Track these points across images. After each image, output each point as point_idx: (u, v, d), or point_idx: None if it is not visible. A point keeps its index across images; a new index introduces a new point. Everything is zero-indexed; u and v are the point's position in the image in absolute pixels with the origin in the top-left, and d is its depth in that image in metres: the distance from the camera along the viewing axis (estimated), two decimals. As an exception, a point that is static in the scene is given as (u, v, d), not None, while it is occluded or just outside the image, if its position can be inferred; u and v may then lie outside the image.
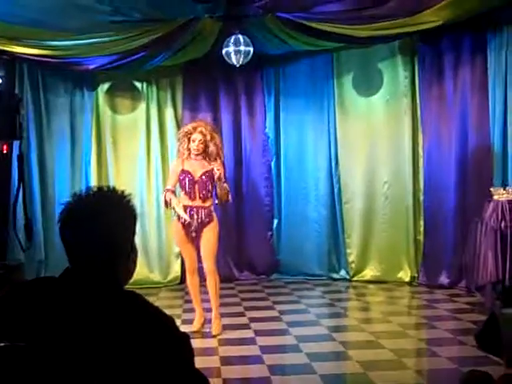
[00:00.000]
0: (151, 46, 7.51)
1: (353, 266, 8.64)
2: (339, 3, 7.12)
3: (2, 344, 1.77)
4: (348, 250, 8.67)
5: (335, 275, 8.78)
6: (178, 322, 6.03)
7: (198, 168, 6.17)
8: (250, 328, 6.38)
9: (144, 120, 8.70)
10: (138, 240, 1.99)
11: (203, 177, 6.13)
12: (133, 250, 1.99)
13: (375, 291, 8.16)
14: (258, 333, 6.17)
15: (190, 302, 7.63)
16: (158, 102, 8.75)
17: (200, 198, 6.12)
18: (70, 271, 1.93)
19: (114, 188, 2.01)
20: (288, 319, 6.71)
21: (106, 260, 1.90)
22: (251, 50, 7.53)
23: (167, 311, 6.35)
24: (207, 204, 6.18)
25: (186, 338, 1.87)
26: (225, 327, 6.35)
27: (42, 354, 1.74)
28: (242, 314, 6.97)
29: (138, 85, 8.74)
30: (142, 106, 8.72)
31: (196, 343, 5.85)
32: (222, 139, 8.63)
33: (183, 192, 6.19)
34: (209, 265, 6.33)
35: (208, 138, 6.20)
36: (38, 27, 6.90)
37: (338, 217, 8.72)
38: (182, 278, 8.71)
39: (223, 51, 7.55)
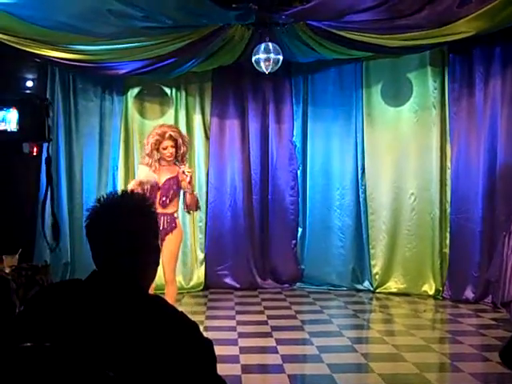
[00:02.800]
0: (181, 52, 7.55)
1: (377, 277, 8.57)
2: (370, 13, 7.08)
3: (28, 344, 1.79)
4: (372, 262, 8.60)
5: (359, 286, 8.72)
6: (200, 329, 6.01)
7: (164, 174, 6.05)
8: (272, 336, 6.35)
9: (172, 125, 8.74)
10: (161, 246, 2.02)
11: (167, 182, 6.00)
12: (156, 253, 2.02)
13: (398, 303, 8.07)
14: (279, 342, 6.13)
15: (212, 308, 7.68)
16: (187, 108, 8.79)
17: (160, 204, 5.95)
18: (96, 274, 1.95)
19: (136, 193, 2.06)
20: (310, 329, 6.67)
21: (130, 263, 1.92)
22: (281, 57, 7.53)
23: (190, 317, 6.33)
24: (169, 211, 6.03)
25: (209, 343, 1.90)
26: (247, 335, 6.35)
27: (68, 356, 1.76)
28: (264, 323, 6.94)
29: (167, 90, 8.79)
30: (171, 111, 8.76)
31: (217, 350, 5.85)
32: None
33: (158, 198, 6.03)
34: (168, 274, 6.04)
35: (180, 141, 6.08)
36: (70, 32, 6.97)
37: (362, 227, 8.66)
38: (206, 284, 8.74)
39: (253, 59, 7.56)
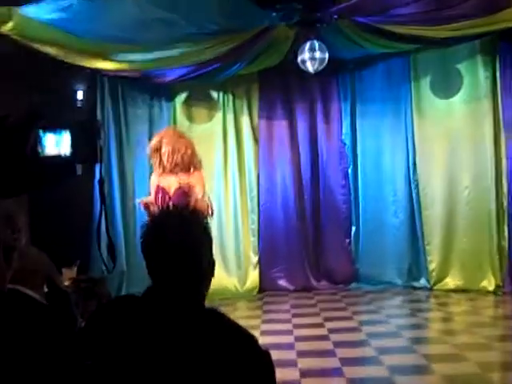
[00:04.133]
0: (226, 56, 7.56)
1: (433, 274, 8.42)
2: (417, 5, 6.96)
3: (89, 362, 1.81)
4: (428, 258, 8.45)
5: (415, 284, 8.58)
6: (256, 333, 5.96)
7: (173, 183, 5.93)
8: (329, 339, 6.29)
9: (220, 129, 8.77)
10: (216, 250, 2.02)
11: (177, 192, 5.90)
12: (212, 268, 2.00)
13: (458, 301, 7.91)
14: (337, 344, 6.07)
15: (268, 312, 7.67)
16: (235, 111, 8.80)
17: None
18: (152, 290, 1.95)
19: (190, 208, 2.05)
20: (368, 330, 6.59)
21: (186, 278, 1.92)
22: (326, 56, 7.46)
23: (245, 322, 6.34)
24: None
25: (267, 355, 1.88)
26: (304, 338, 6.31)
27: (127, 373, 1.77)
28: (321, 325, 6.88)
29: (215, 94, 8.81)
30: (219, 115, 8.78)
31: (275, 354, 5.83)
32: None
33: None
34: None
35: (176, 146, 5.96)
36: (116, 42, 7.06)
37: (417, 223, 8.53)
38: (260, 287, 8.73)
39: (298, 59, 7.52)
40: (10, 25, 6.43)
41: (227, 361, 1.79)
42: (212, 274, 2.01)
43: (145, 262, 1.97)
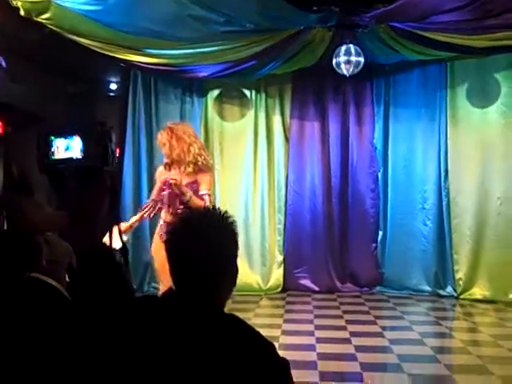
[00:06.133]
0: (262, 55, 7.54)
1: (460, 283, 8.33)
2: (457, 13, 6.85)
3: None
4: (456, 267, 8.36)
5: (441, 292, 8.49)
6: (277, 332, 5.92)
7: (183, 180, 5.64)
8: (350, 343, 6.25)
9: (252, 127, 8.76)
10: (241, 247, 1.98)
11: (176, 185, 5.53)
12: (235, 276, 1.98)
13: (484, 311, 7.81)
14: (358, 349, 6.02)
15: (290, 311, 7.65)
16: (267, 110, 8.78)
17: (180, 211, 5.46)
18: (172, 292, 1.93)
19: (216, 208, 2.00)
20: (390, 336, 6.54)
21: (209, 284, 1.90)
22: (362, 60, 7.41)
23: (267, 320, 6.32)
24: None
25: (286, 363, 1.86)
26: (325, 340, 6.28)
27: (143, 376, 1.76)
28: (343, 328, 6.83)
29: (247, 92, 8.80)
30: (251, 113, 8.77)
31: (295, 356, 5.81)
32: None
33: (162, 204, 5.72)
34: None
35: (172, 139, 5.66)
36: (152, 37, 7.08)
37: (445, 231, 8.45)
38: (284, 286, 8.71)
39: (333, 61, 7.47)
40: (47, 14, 6.50)
41: (245, 367, 1.77)
42: (235, 283, 1.99)
43: (168, 262, 1.95)
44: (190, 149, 5.70)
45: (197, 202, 5.54)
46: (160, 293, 5.62)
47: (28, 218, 2.26)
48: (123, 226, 5.89)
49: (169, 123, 6.04)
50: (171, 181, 5.54)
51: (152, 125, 8.58)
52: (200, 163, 5.73)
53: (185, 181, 5.67)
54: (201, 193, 5.68)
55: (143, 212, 5.99)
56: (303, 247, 8.82)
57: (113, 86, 8.39)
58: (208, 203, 5.64)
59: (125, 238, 5.92)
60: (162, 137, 5.83)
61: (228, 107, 8.80)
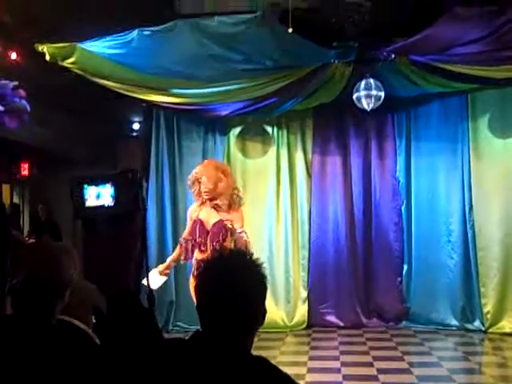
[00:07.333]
0: (282, 92, 7.60)
1: (488, 316, 8.20)
2: (477, 44, 6.88)
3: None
4: (483, 300, 8.23)
5: (469, 326, 8.35)
6: (303, 370, 5.86)
7: (211, 216, 5.76)
8: (378, 380, 6.16)
9: (274, 164, 8.79)
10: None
11: (216, 226, 5.72)
12: (263, 318, 1.98)
13: (514, 346, 7.67)
14: (386, 386, 5.95)
15: (316, 348, 7.57)
16: (288, 146, 8.82)
17: (211, 249, 5.64)
18: (200, 334, 1.93)
19: (246, 253, 2.02)
20: (418, 372, 6.42)
21: (236, 326, 1.90)
22: (382, 94, 7.44)
23: (292, 358, 6.26)
24: None
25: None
26: (352, 377, 6.20)
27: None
28: (370, 365, 6.74)
29: (269, 129, 8.86)
30: (273, 149, 8.81)
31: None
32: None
33: (194, 243, 5.78)
34: None
35: (218, 172, 5.82)
36: (173, 77, 7.20)
37: (472, 264, 8.34)
38: (309, 323, 8.64)
39: (354, 96, 7.51)
40: (72, 59, 6.66)
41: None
42: (262, 323, 1.99)
43: (195, 304, 1.96)
44: (232, 184, 5.88)
45: (240, 239, 5.65)
46: None
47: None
48: (161, 267, 5.98)
49: (207, 160, 6.08)
50: (227, 223, 5.59)
51: (175, 163, 8.66)
52: (235, 197, 5.81)
53: (215, 219, 5.71)
54: (238, 231, 5.71)
55: (178, 253, 6.00)
56: (328, 282, 8.77)
57: (136, 126, 8.51)
58: (247, 240, 5.72)
59: (164, 279, 6.00)
60: (205, 170, 5.86)
61: (250, 144, 8.86)
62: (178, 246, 6.10)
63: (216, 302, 1.90)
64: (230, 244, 5.78)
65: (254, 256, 1.99)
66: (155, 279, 5.69)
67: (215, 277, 1.92)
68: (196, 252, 5.83)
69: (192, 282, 5.75)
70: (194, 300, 5.89)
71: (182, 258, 6.03)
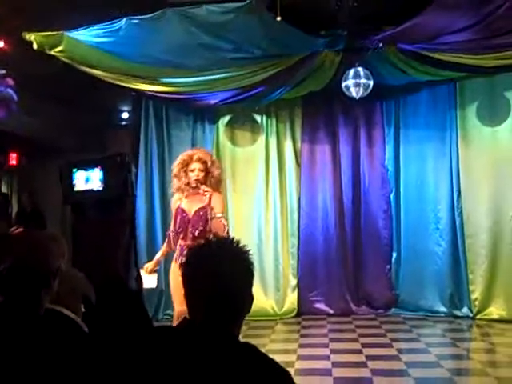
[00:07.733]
0: (271, 80, 7.61)
1: (476, 303, 8.27)
2: (465, 33, 6.89)
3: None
4: (471, 287, 8.30)
5: (457, 312, 8.43)
6: (293, 357, 5.89)
7: (193, 204, 5.68)
8: (367, 366, 6.20)
9: (263, 152, 8.81)
10: (255, 271, 1.98)
11: (197, 214, 5.63)
12: (250, 305, 1.99)
13: (501, 331, 7.71)
14: (375, 372, 5.96)
15: (306, 336, 7.61)
16: (277, 135, 8.83)
17: (191, 237, 5.61)
18: (188, 322, 1.94)
19: (233, 240, 2.01)
20: (407, 359, 6.47)
21: (224, 313, 1.91)
22: (371, 83, 7.45)
23: (282, 345, 6.28)
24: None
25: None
26: (341, 364, 6.23)
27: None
28: (359, 351, 6.78)
29: (258, 117, 8.86)
30: (262, 138, 8.82)
31: (312, 380, 5.80)
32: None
33: (175, 232, 5.73)
34: None
35: (209, 164, 5.73)
36: (162, 66, 7.19)
37: (460, 251, 8.40)
38: (299, 310, 8.69)
39: (343, 84, 7.52)
40: (60, 47, 6.62)
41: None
42: (248, 311, 2.00)
43: (183, 291, 1.96)
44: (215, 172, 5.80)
45: (218, 223, 5.59)
46: (174, 313, 5.70)
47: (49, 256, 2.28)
48: (151, 264, 5.98)
49: (199, 152, 5.97)
50: (208, 209, 5.56)
51: (164, 152, 8.66)
52: (217, 181, 5.80)
53: (196, 207, 5.70)
54: (218, 215, 5.70)
55: (166, 247, 6.01)
56: (317, 270, 8.81)
57: (124, 115, 8.48)
58: (225, 224, 5.70)
59: (155, 275, 5.99)
60: (204, 155, 5.82)
61: (239, 133, 8.86)
62: (167, 240, 6.07)
63: (202, 289, 1.91)
64: (210, 231, 5.71)
65: (241, 243, 2.00)
66: (146, 280, 5.66)
67: (201, 265, 1.93)
68: (180, 239, 5.82)
69: (174, 268, 5.72)
70: (170, 281, 5.81)
71: (169, 249, 6.02)
